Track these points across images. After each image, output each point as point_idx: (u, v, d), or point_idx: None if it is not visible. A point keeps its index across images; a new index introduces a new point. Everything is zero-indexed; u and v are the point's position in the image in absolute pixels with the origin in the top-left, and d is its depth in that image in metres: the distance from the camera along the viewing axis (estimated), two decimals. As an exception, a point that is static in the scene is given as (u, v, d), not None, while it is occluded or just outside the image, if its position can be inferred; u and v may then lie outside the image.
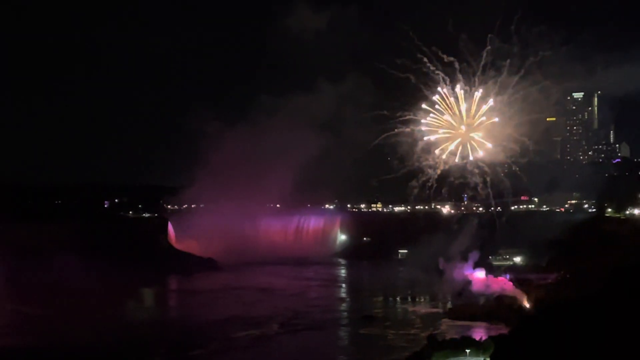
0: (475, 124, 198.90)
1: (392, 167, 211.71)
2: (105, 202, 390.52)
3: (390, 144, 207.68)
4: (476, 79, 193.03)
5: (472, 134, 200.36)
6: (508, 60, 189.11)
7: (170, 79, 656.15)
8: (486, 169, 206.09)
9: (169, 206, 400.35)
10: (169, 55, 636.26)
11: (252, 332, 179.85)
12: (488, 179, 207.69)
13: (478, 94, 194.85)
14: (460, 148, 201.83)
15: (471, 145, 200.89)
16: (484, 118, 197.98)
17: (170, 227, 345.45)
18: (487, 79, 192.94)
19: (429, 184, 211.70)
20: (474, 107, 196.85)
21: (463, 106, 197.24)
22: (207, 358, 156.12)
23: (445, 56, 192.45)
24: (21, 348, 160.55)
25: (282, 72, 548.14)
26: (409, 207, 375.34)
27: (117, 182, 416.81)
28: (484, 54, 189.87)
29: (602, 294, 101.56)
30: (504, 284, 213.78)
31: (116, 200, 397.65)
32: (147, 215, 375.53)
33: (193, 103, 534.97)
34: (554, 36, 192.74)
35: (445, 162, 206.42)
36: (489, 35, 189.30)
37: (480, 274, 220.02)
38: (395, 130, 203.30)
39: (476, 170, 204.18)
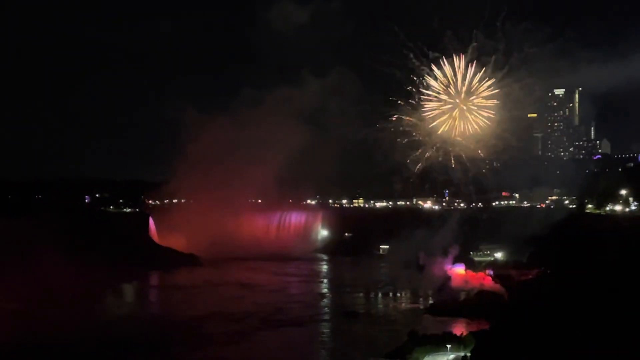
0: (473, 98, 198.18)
1: (374, 163, 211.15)
2: (86, 197, 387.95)
3: (373, 140, 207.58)
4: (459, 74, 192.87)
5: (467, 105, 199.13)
6: (493, 57, 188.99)
7: (151, 73, 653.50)
8: (468, 165, 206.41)
9: (150, 201, 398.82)
10: (149, 48, 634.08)
11: (232, 328, 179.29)
12: (470, 175, 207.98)
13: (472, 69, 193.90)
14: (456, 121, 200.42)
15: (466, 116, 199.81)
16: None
17: (151, 222, 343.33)
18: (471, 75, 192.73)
19: (411, 180, 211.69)
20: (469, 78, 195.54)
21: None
22: (187, 354, 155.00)
23: (430, 52, 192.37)
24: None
25: (265, 66, 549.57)
26: (390, 203, 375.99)
27: (98, 177, 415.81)
28: (469, 50, 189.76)
29: (582, 290, 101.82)
30: (482, 279, 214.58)
31: (97, 195, 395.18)
32: (128, 210, 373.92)
33: (174, 97, 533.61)
34: (538, 33, 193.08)
35: (428, 158, 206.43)
36: (474, 31, 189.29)
37: (459, 270, 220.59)
38: (378, 125, 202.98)
39: (458, 166, 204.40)
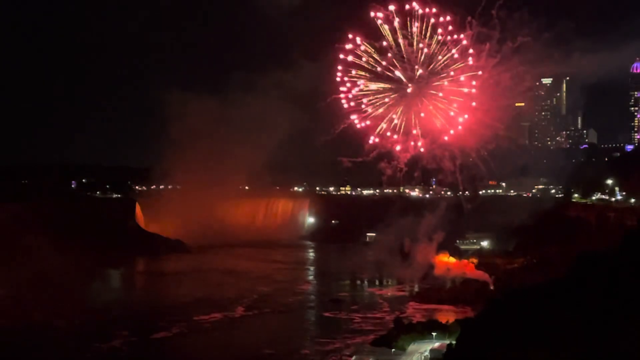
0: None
1: (362, 150, 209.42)
2: (73, 182, 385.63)
3: (360, 127, 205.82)
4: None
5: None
6: (487, 45, 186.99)
7: (139, 58, 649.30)
8: (456, 153, 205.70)
9: (137, 187, 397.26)
10: (137, 32, 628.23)
11: (216, 314, 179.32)
12: (457, 163, 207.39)
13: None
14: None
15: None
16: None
17: (138, 208, 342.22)
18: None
19: (399, 168, 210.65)
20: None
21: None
22: (171, 341, 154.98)
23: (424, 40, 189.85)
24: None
25: (254, 51, 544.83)
26: (377, 191, 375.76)
27: (85, 162, 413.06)
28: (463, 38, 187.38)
29: (567, 278, 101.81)
30: (465, 267, 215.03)
31: (83, 181, 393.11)
32: (114, 196, 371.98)
33: (162, 83, 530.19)
34: (533, 22, 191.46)
35: (416, 146, 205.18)
36: (469, 18, 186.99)
37: (443, 258, 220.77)
38: (367, 111, 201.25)
39: (446, 154, 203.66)
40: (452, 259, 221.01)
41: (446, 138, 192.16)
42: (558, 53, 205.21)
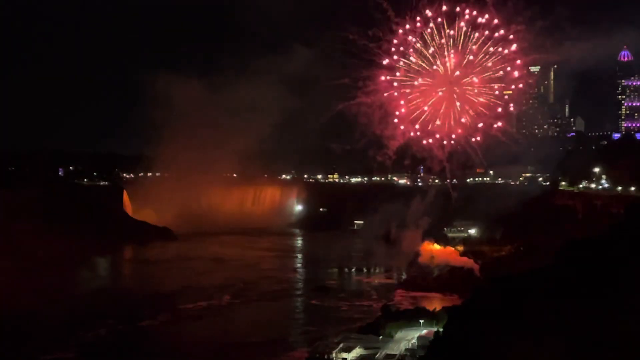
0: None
1: (352, 138, 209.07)
2: (60, 169, 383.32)
3: (351, 114, 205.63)
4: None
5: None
6: (486, 32, 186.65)
7: (128, 44, 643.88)
8: (444, 141, 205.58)
9: (125, 174, 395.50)
10: (126, 17, 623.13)
11: (202, 302, 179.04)
12: (446, 150, 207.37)
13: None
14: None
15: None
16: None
17: (125, 195, 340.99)
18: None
19: (387, 156, 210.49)
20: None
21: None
22: (156, 329, 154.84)
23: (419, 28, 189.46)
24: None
25: (245, 38, 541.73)
26: (365, 179, 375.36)
27: (72, 149, 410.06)
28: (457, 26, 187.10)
29: (554, 266, 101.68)
30: (448, 254, 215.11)
31: (71, 168, 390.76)
32: (102, 183, 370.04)
33: (151, 70, 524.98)
34: (528, 10, 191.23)
35: (404, 134, 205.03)
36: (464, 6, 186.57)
37: (429, 246, 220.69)
38: (357, 99, 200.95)
39: (432, 141, 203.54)
40: (437, 247, 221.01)
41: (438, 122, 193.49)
42: (550, 41, 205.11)
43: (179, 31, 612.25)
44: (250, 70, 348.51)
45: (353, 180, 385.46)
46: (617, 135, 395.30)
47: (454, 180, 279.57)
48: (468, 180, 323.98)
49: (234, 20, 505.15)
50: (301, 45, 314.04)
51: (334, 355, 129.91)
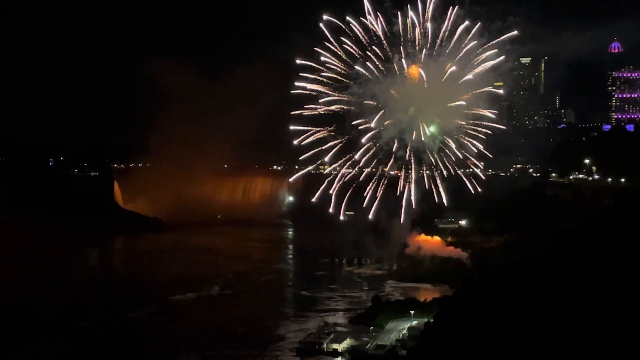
0: None
1: (344, 128, 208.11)
2: (50, 160, 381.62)
3: (342, 105, 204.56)
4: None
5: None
6: (480, 24, 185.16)
7: (118, 31, 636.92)
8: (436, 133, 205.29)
9: (115, 165, 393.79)
10: (116, 3, 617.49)
11: (192, 293, 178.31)
12: (437, 142, 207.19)
13: None
14: None
15: None
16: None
17: (116, 186, 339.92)
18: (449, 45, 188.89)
19: (379, 145, 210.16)
20: None
21: None
22: (144, 320, 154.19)
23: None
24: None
25: (238, 26, 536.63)
26: (356, 169, 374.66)
27: (63, 139, 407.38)
28: (450, 17, 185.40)
29: (543, 256, 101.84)
30: (437, 245, 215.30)
31: (61, 158, 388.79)
32: (93, 174, 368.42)
33: (142, 58, 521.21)
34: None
35: (398, 125, 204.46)
36: None
37: (418, 236, 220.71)
38: (349, 91, 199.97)
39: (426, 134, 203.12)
40: (426, 237, 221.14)
41: None
42: (544, 32, 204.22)
43: (170, 18, 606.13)
44: (243, 58, 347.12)
45: (344, 171, 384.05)
46: (607, 127, 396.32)
47: (444, 171, 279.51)
48: (459, 171, 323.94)
49: (226, 8, 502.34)
50: (297, 30, 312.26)
51: (324, 345, 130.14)
